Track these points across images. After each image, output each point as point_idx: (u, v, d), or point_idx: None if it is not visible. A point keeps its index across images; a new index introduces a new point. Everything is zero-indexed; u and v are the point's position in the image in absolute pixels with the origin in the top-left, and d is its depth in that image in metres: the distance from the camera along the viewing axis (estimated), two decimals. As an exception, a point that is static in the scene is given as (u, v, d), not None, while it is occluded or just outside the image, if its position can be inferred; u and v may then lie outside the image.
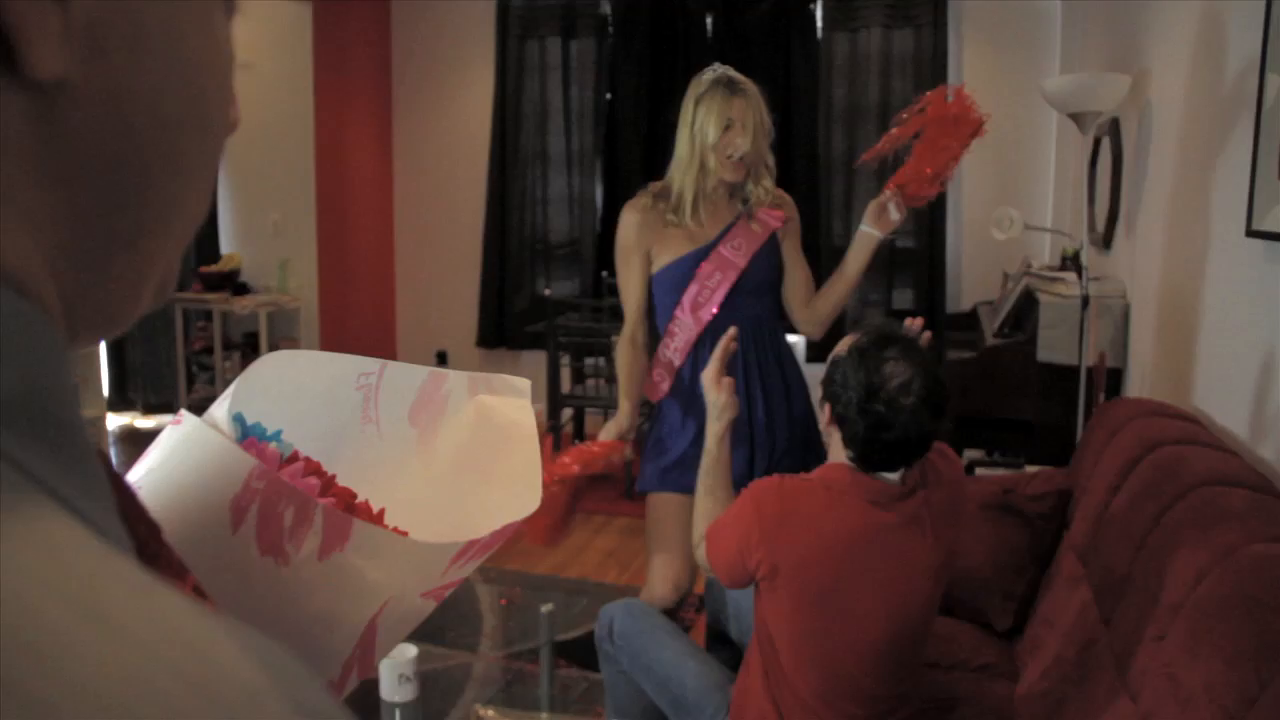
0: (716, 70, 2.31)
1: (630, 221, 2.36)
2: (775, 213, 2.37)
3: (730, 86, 2.26)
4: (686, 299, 2.33)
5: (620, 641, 2.01)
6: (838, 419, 1.61)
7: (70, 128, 0.27)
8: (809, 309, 2.43)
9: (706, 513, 1.83)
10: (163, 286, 0.33)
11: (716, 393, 1.88)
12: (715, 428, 1.87)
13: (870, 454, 1.59)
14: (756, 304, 2.37)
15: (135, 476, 0.58)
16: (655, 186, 2.39)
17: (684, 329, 2.35)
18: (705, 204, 2.32)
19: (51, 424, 0.25)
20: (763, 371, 2.35)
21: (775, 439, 2.33)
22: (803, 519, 1.61)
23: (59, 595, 0.21)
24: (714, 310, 2.32)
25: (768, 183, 2.36)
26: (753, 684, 1.73)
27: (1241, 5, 2.15)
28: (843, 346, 1.65)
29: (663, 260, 2.35)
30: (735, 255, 2.33)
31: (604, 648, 2.07)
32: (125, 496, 0.30)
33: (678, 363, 2.36)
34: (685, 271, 2.33)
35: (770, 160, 2.36)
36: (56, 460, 0.24)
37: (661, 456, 2.38)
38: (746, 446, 2.29)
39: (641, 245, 2.35)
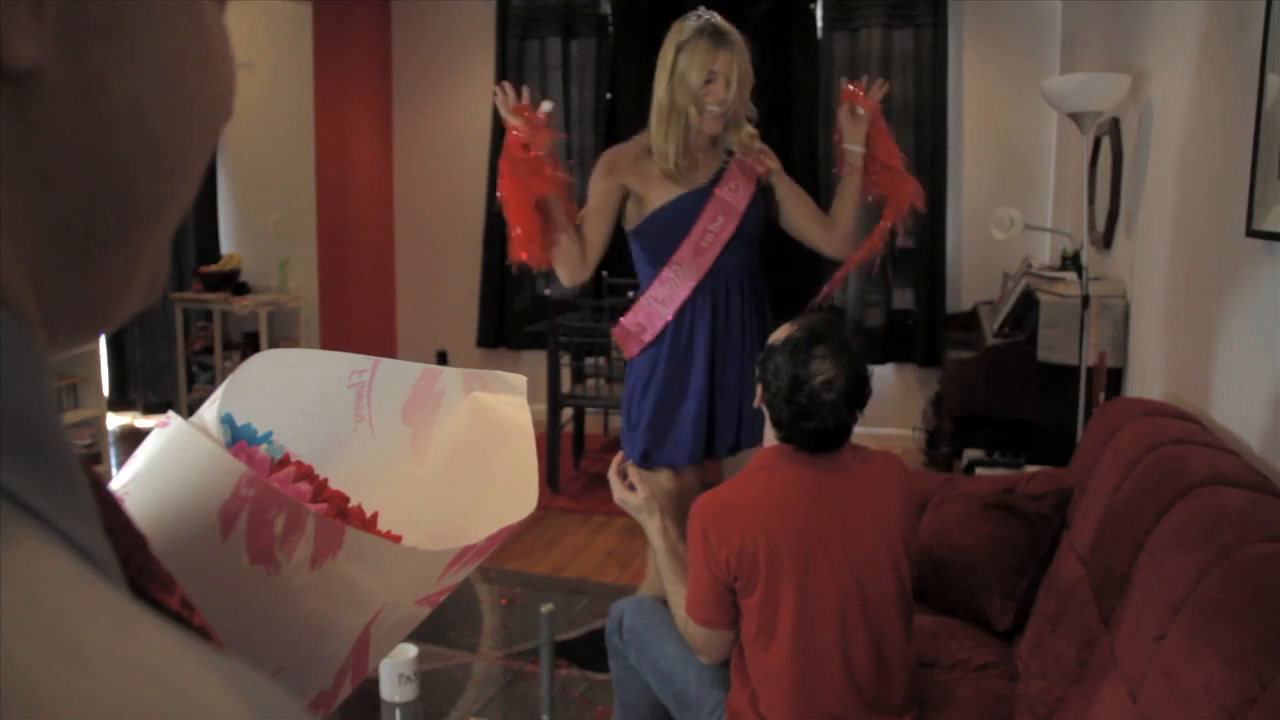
0: (701, 16, 2.25)
1: (610, 158, 2.33)
2: (757, 165, 2.35)
3: (715, 36, 2.19)
4: (688, 244, 2.28)
5: (629, 637, 2.03)
6: (766, 402, 1.76)
7: (46, 123, 0.25)
8: (832, 231, 2.40)
9: (682, 596, 1.87)
10: (152, 283, 0.32)
11: (632, 498, 2.01)
12: (652, 524, 1.98)
13: (792, 437, 1.74)
14: (748, 252, 2.36)
15: (122, 481, 0.57)
16: (642, 139, 2.34)
17: (683, 275, 2.29)
18: (688, 153, 2.28)
19: (32, 439, 0.24)
20: (753, 321, 2.35)
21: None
22: (745, 500, 1.74)
23: (31, 632, 0.19)
24: (717, 254, 2.28)
25: (749, 128, 2.32)
26: (739, 702, 1.76)
27: (1241, 5, 2.14)
28: (779, 335, 1.78)
29: (656, 201, 2.29)
30: (734, 198, 2.30)
31: (613, 642, 2.09)
32: (110, 508, 0.29)
33: (668, 316, 2.31)
34: (687, 210, 2.28)
35: (752, 110, 2.33)
36: (38, 476, 0.23)
37: (634, 428, 2.36)
38: (737, 395, 2.32)
39: (618, 178, 2.30)
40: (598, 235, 2.30)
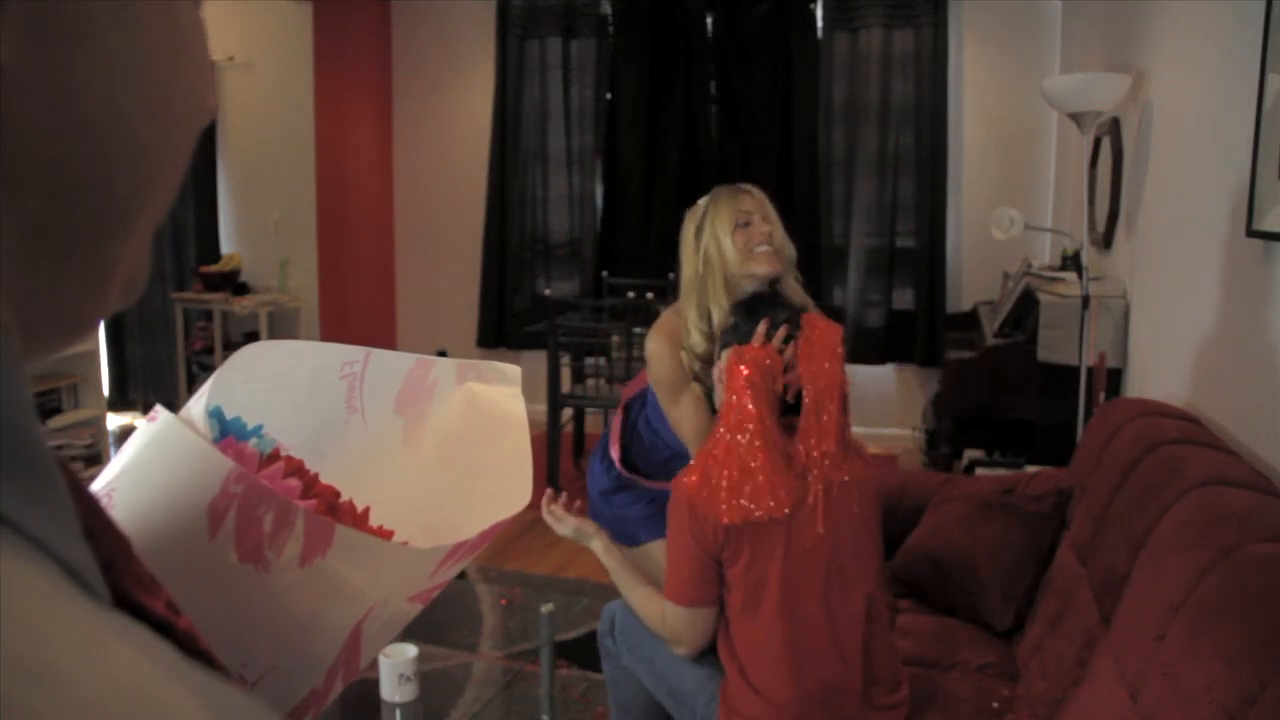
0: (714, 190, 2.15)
1: (676, 357, 2.12)
2: None
3: (734, 188, 2.12)
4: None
5: (621, 637, 2.03)
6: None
7: (15, 123, 0.25)
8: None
9: (647, 596, 1.90)
10: (131, 284, 0.31)
11: (567, 526, 2.01)
12: (596, 545, 2.00)
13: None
14: None
15: (108, 477, 0.56)
16: (671, 320, 2.15)
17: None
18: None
19: (9, 448, 0.23)
20: None
21: None
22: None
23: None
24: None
25: (809, 303, 2.11)
26: (730, 680, 1.77)
27: (1241, 5, 2.14)
28: (724, 322, 1.91)
29: None
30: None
31: (605, 644, 2.09)
32: (90, 511, 0.29)
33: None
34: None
35: (797, 274, 2.15)
36: (14, 484, 0.23)
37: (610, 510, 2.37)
38: None
39: (689, 378, 2.12)
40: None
